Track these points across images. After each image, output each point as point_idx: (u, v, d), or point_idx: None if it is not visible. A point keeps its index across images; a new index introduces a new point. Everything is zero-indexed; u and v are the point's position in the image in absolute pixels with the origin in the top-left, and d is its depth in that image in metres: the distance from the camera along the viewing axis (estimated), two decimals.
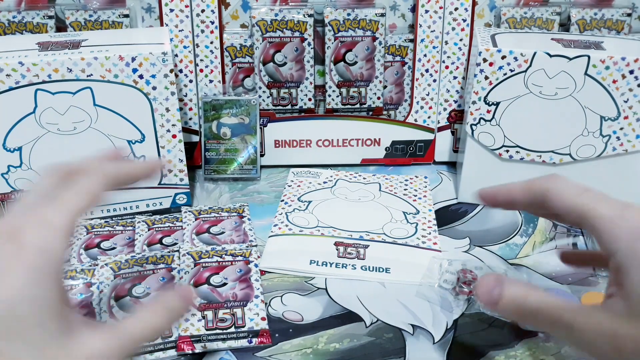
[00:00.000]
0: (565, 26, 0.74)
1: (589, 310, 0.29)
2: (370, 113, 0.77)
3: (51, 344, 0.22)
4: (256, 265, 0.56)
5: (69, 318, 0.24)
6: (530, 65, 0.61)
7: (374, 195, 0.70)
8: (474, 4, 0.70)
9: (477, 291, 0.34)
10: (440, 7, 0.70)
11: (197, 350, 0.48)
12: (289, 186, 0.72)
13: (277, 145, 0.76)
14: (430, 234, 0.62)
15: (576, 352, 0.36)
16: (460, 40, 0.71)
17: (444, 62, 0.72)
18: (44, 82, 0.56)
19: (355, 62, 0.73)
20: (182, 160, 0.64)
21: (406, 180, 0.73)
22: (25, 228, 0.23)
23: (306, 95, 0.75)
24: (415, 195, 0.70)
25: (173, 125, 0.62)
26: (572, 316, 0.30)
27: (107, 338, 0.25)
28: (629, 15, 0.72)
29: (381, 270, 0.57)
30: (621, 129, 0.62)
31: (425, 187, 0.72)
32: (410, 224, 0.64)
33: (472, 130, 0.65)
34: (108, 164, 0.30)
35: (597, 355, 0.29)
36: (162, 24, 0.70)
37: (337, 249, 0.60)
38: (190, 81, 0.72)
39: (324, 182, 0.72)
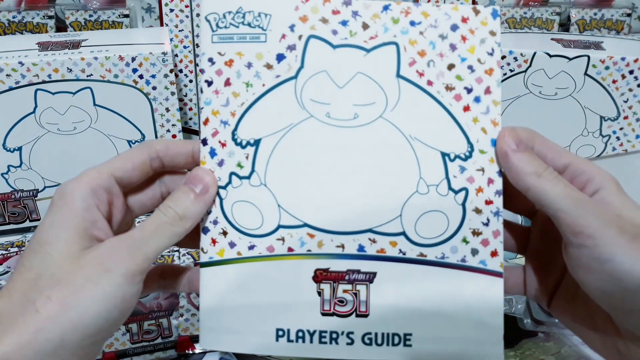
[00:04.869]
0: (565, 26, 0.74)
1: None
2: None
3: (69, 257, 0.29)
4: None
5: (94, 240, 0.30)
6: (530, 66, 0.61)
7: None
8: (474, 4, 0.70)
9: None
10: None
11: (197, 351, 0.48)
12: None
13: None
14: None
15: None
16: None
17: None
18: (44, 82, 0.56)
19: None
20: None
21: None
22: (68, 183, 0.31)
23: None
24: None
25: (173, 125, 0.62)
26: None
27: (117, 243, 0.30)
28: (629, 15, 0.72)
29: None
30: (621, 129, 0.62)
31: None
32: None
33: None
34: (159, 141, 0.34)
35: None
36: (162, 24, 0.70)
37: None
38: (190, 81, 0.72)
39: None
